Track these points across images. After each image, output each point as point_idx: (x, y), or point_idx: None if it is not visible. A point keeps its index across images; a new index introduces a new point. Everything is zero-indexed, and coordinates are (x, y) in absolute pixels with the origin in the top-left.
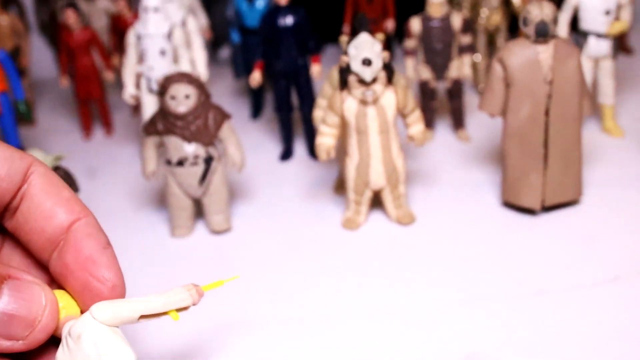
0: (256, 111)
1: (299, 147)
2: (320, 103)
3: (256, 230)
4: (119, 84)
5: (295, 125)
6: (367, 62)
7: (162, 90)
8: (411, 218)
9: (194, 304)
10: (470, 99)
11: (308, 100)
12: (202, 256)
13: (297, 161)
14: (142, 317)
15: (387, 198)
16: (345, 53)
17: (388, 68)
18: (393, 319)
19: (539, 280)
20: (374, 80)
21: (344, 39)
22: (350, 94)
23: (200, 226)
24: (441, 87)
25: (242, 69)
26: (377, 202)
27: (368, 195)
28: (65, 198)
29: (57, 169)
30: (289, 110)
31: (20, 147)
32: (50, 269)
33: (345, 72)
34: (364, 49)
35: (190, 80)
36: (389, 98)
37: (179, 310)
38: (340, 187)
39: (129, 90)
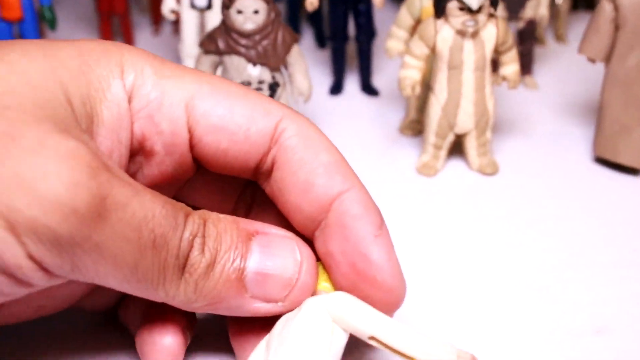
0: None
1: (349, 81)
2: (395, 32)
3: None
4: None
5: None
6: None
7: (228, 3)
8: (495, 167)
9: None
10: None
11: (367, 29)
12: None
13: (348, 96)
14: (375, 340)
15: (471, 144)
16: None
17: None
18: (486, 282)
19: None
20: (479, 9)
21: None
22: (447, 23)
23: None
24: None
25: None
26: (454, 147)
27: (450, 139)
28: (324, 164)
29: None
30: (344, 40)
31: None
32: (316, 247)
33: None
34: None
35: None
36: (490, 31)
37: None
38: (408, 127)
39: (169, 4)
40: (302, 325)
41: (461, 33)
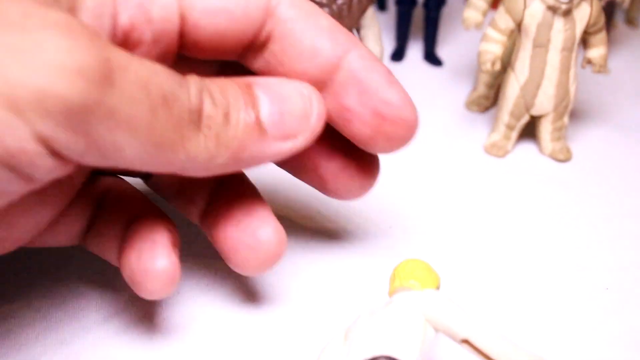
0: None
1: (411, 48)
2: (474, 2)
3: None
4: None
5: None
6: None
7: None
8: (568, 154)
9: None
10: None
11: None
12: None
13: (410, 64)
14: (467, 344)
15: (546, 128)
16: None
17: None
18: (550, 274)
19: None
20: None
21: None
22: None
23: None
24: None
25: None
26: (525, 129)
27: (525, 120)
28: (326, 28)
29: None
30: (412, 4)
31: None
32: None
33: None
34: None
35: None
36: (583, 10)
37: None
38: (475, 102)
39: None
40: (394, 320)
41: (552, 9)
